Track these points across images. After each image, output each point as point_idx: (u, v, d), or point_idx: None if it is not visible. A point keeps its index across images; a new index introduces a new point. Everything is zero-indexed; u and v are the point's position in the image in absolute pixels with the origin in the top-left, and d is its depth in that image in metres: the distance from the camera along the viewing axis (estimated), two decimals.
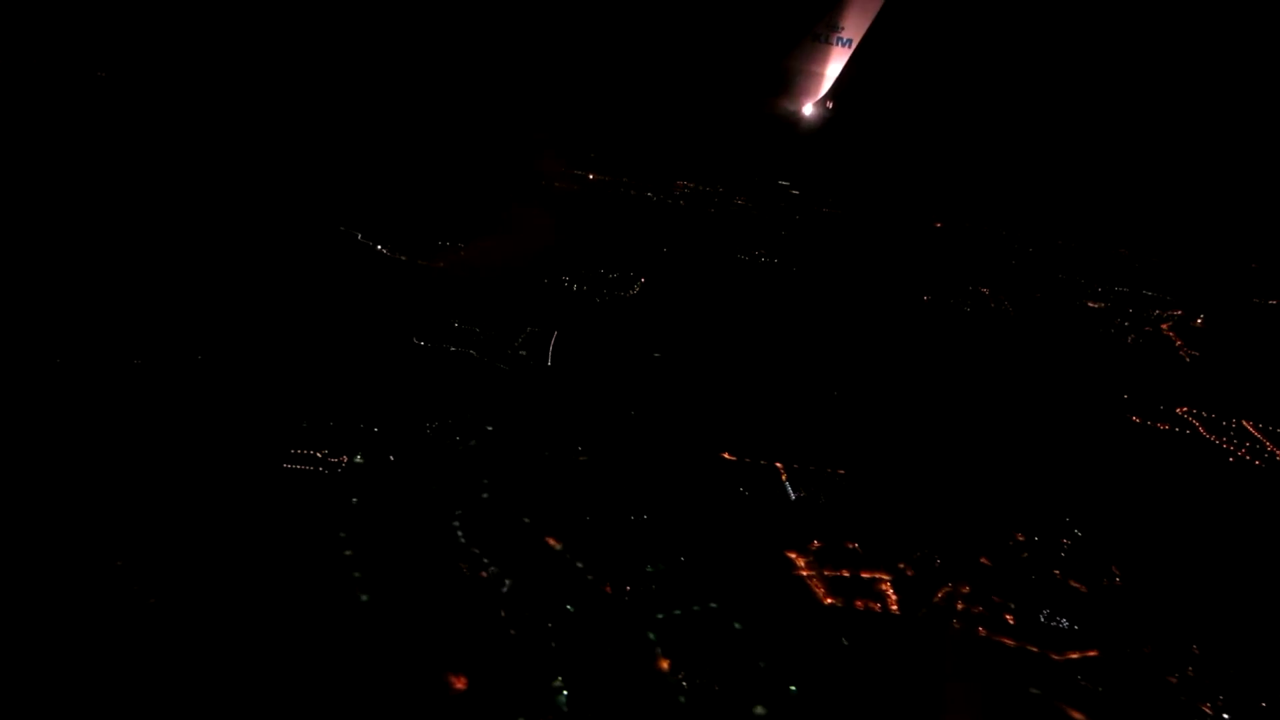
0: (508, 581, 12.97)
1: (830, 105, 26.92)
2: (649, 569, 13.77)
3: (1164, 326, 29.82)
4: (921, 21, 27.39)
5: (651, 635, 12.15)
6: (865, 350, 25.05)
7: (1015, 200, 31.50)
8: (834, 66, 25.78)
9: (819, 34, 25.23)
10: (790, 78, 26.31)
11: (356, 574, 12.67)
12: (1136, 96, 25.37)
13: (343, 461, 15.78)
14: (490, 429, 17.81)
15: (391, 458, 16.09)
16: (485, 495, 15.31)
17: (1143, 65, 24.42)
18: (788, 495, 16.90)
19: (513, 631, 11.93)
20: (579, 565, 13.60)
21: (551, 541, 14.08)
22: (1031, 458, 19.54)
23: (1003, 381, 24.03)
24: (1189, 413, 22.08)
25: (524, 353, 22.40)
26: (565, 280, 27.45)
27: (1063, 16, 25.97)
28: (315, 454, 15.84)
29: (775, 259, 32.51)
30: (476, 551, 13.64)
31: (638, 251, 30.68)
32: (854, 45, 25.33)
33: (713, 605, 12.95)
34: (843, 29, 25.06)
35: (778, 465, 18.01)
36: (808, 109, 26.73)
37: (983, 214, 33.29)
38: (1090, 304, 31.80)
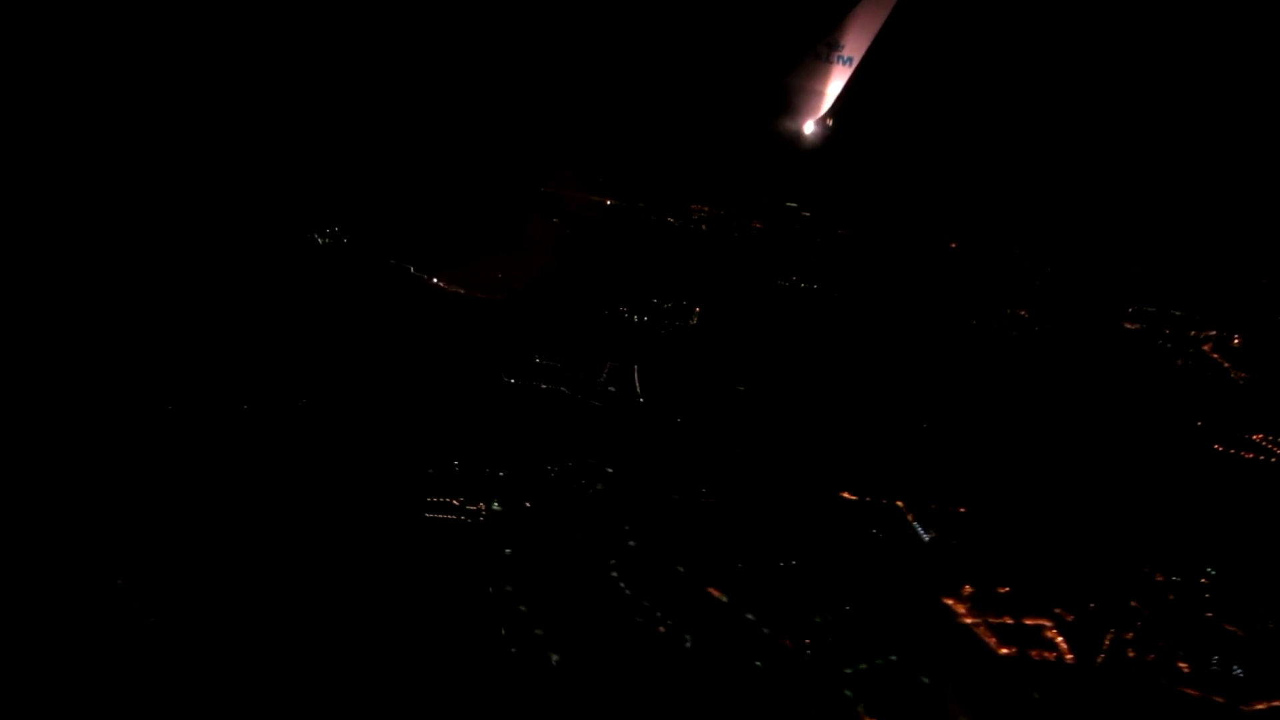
0: (688, 638, 12.66)
1: (831, 124, 27.05)
2: (817, 619, 13.53)
3: (1205, 348, 30.03)
4: (924, 38, 27.56)
5: (848, 692, 11.91)
6: (935, 378, 24.98)
7: (1024, 218, 31.50)
8: (835, 85, 25.90)
9: (819, 52, 25.34)
10: (791, 96, 26.39)
11: (538, 631, 12.30)
12: (1142, 111, 25.60)
13: (481, 509, 15.42)
14: (610, 471, 17.48)
15: (527, 504, 15.73)
16: (632, 543, 14.99)
17: (1151, 79, 24.69)
18: (919, 536, 16.71)
19: (711, 694, 11.62)
20: (750, 617, 13.34)
21: (715, 593, 13.80)
22: (1133, 490, 19.46)
23: (1079, 409, 24.05)
24: (1267, 439, 22.18)
25: (612, 389, 22.13)
26: (624, 311, 27.17)
27: (1070, 31, 26.16)
28: (452, 502, 15.47)
29: (814, 284, 32.46)
30: (646, 604, 13.32)
31: (682, 279, 30.48)
32: (855, 64, 25.46)
33: (893, 658, 12.72)
34: (843, 47, 25.21)
35: (899, 504, 17.83)
36: (809, 127, 26.84)
37: (994, 232, 33.31)
38: (1127, 325, 31.99)
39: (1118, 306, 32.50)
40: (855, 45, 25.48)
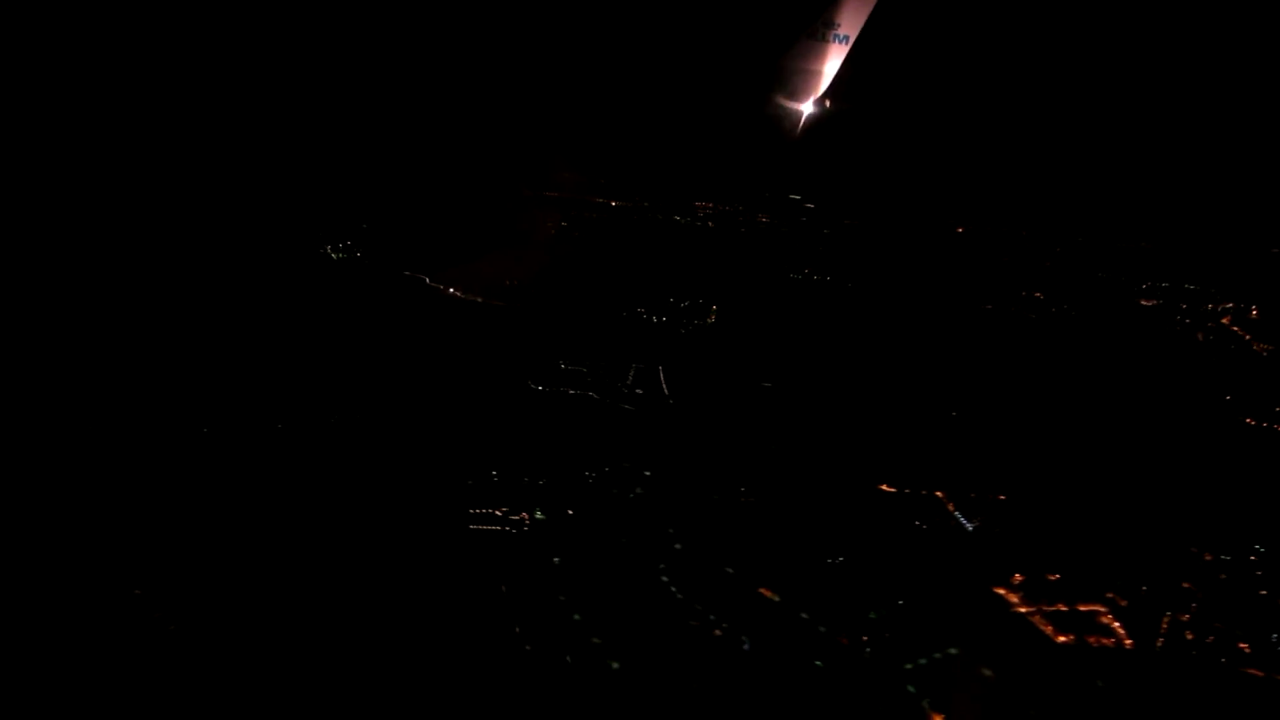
0: (745, 640, 12.56)
1: (829, 104, 26.73)
2: (872, 615, 13.42)
3: (1224, 320, 29.79)
4: (921, 12, 27.19)
5: (912, 688, 11.80)
6: (958, 365, 24.83)
7: (1026, 196, 31.17)
8: (832, 64, 25.53)
9: (815, 31, 24.96)
10: (787, 77, 26.02)
11: (595, 640, 12.22)
12: (1142, 87, 25.27)
13: (525, 519, 15.35)
14: (648, 474, 17.39)
15: (570, 512, 15.65)
16: (678, 546, 14.90)
17: (1151, 54, 24.37)
18: (963, 526, 16.58)
19: (775, 695, 11.53)
20: (804, 616, 13.24)
21: (766, 592, 13.71)
22: (1169, 469, 19.30)
23: (1106, 390, 23.87)
24: None
25: (640, 391, 22.02)
26: (641, 312, 27.07)
27: (1073, 2, 25.84)
28: (495, 512, 15.40)
29: (827, 276, 32.30)
30: (700, 608, 13.24)
31: (695, 277, 30.37)
32: (851, 41, 25.13)
33: (952, 651, 12.61)
34: (839, 25, 24.81)
35: (938, 494, 17.70)
36: (807, 108, 26.50)
37: (998, 213, 32.98)
38: (1143, 302, 31.76)
39: (1131, 283, 32.33)
40: (851, 22, 25.13)
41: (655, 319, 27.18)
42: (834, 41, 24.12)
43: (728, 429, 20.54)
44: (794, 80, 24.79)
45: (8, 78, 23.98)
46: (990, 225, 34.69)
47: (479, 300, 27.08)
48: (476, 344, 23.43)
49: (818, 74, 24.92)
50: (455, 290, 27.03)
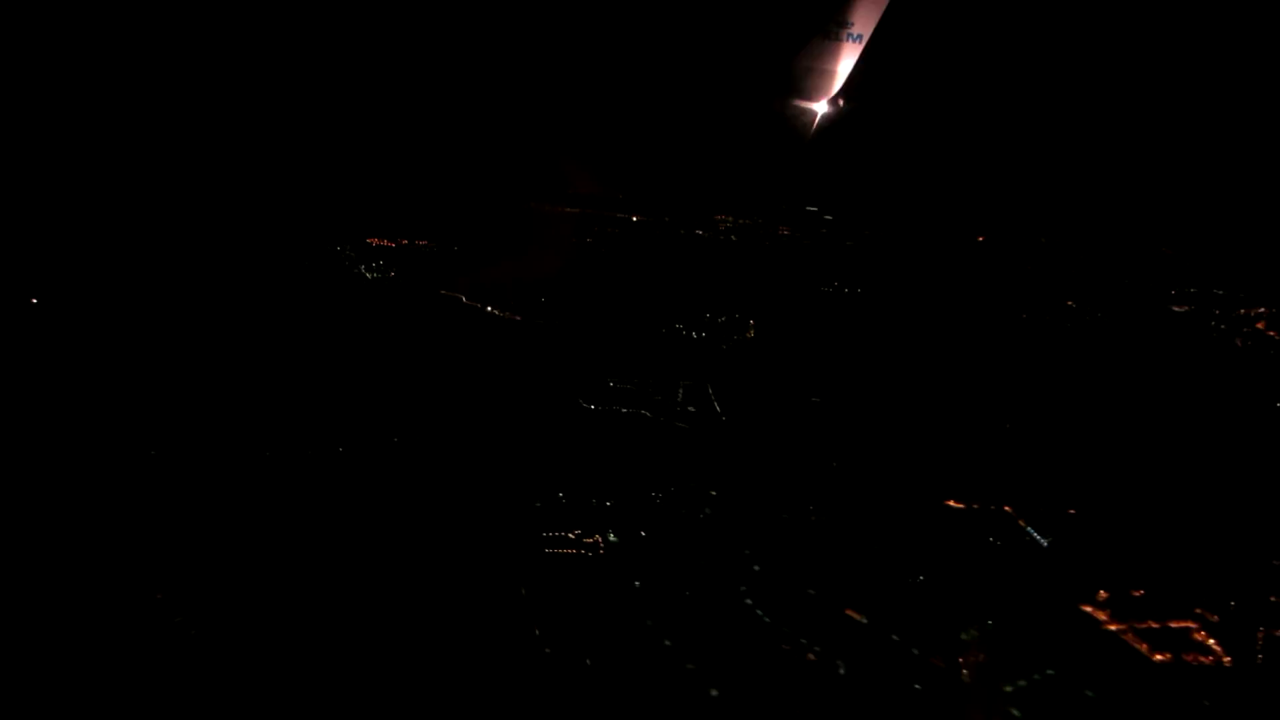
0: (841, 664, 12.36)
1: (843, 103, 26.61)
2: (963, 636, 13.21)
3: (1259, 325, 29.51)
4: (935, 10, 27.07)
5: (1016, 712, 11.58)
6: (1003, 375, 24.65)
7: (1044, 202, 31.02)
8: (845, 63, 25.40)
9: (829, 31, 24.83)
10: (801, 77, 25.90)
11: (690, 666, 12.03)
12: (1161, 89, 25.11)
13: (599, 542, 15.19)
14: (714, 494, 17.24)
15: (642, 533, 15.49)
16: (756, 567, 14.71)
17: (1171, 53, 24.21)
18: (1037, 542, 16.36)
19: None
20: (895, 638, 13.02)
21: (853, 614, 13.50)
22: (1233, 478, 19.06)
23: (1156, 398, 23.65)
24: None
25: (691, 409, 21.89)
26: (680, 328, 27.00)
27: (1085, 20, 25.75)
28: (568, 535, 15.25)
29: (858, 289, 32.14)
30: (788, 631, 13.04)
31: (727, 291, 30.28)
32: (865, 40, 25.00)
33: (1050, 672, 12.38)
34: (852, 24, 24.69)
35: (1006, 509, 17.49)
36: (820, 108, 26.37)
37: (1016, 218, 32.83)
38: (1175, 308, 31.49)
39: (1160, 290, 32.08)
40: (865, 21, 25.02)
41: (695, 335, 27.07)
42: (847, 40, 24.03)
43: (784, 446, 20.36)
44: (807, 80, 24.66)
45: (22, 82, 24.06)
46: (1009, 233, 34.57)
47: (518, 318, 26.98)
48: (521, 362, 23.35)
49: (831, 73, 24.80)
50: (493, 308, 26.92)
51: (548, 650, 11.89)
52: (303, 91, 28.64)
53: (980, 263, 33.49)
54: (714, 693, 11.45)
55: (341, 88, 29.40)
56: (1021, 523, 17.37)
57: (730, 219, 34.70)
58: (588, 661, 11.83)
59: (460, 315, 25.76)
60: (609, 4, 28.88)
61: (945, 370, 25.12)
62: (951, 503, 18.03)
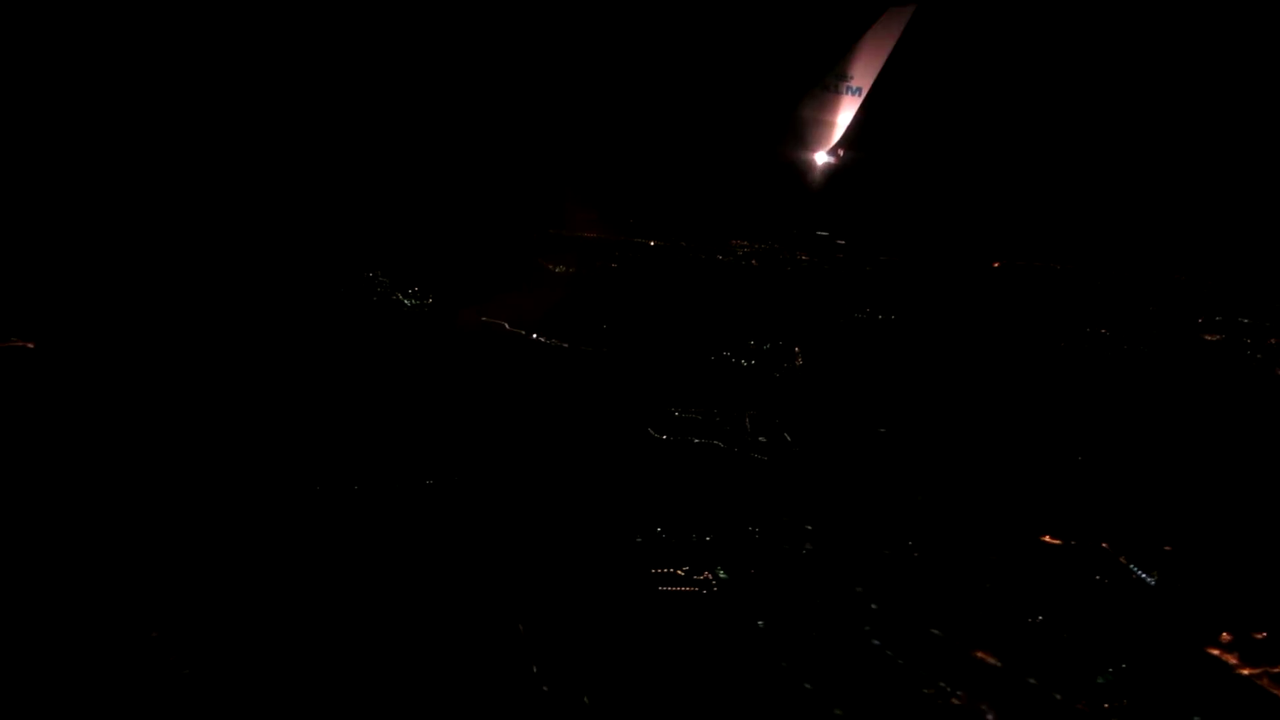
0: (988, 711, 12.01)
1: (842, 153, 26.96)
2: (1099, 680, 12.89)
3: None
4: (932, 64, 27.61)
5: None
6: (1059, 406, 24.59)
7: (1049, 234, 31.48)
8: (845, 115, 25.85)
9: (828, 84, 25.32)
10: (800, 127, 26.32)
11: (838, 712, 11.65)
12: (1147, 120, 25.60)
13: (710, 578, 14.84)
14: (809, 528, 16.95)
15: (751, 570, 15.16)
16: (874, 606, 14.38)
17: (1155, 90, 24.67)
18: (1144, 581, 16.11)
19: None
20: (1031, 682, 12.69)
21: (985, 656, 13.17)
22: None
23: (1216, 428, 23.60)
24: None
25: (762, 439, 21.69)
26: (728, 355, 26.93)
27: (1080, 48, 26.21)
28: (678, 572, 14.90)
29: (891, 315, 32.19)
30: (926, 674, 12.69)
31: (765, 318, 30.26)
32: (864, 94, 25.43)
33: (1196, 718, 12.06)
34: (851, 78, 25.18)
35: (1103, 545, 17.26)
36: (820, 158, 26.75)
37: (1028, 249, 33.29)
38: (1207, 336, 31.54)
39: (1187, 317, 32.20)
40: (864, 75, 25.48)
41: (744, 362, 26.93)
42: (847, 94, 24.43)
43: (862, 478, 20.13)
44: (808, 131, 25.03)
45: (42, 85, 23.96)
46: (1025, 260, 34.86)
47: (565, 345, 26.79)
48: (580, 389, 23.08)
49: (831, 124, 25.27)
50: (538, 335, 26.74)
51: (689, 693, 11.42)
52: (339, 123, 28.82)
53: (1001, 289, 33.71)
54: None
55: (376, 118, 29.62)
56: (1123, 560, 17.09)
57: (747, 244, 34.89)
58: (728, 706, 11.36)
59: (507, 343, 25.53)
60: (623, 57, 29.42)
61: (998, 400, 25.03)
62: (1048, 539, 17.74)
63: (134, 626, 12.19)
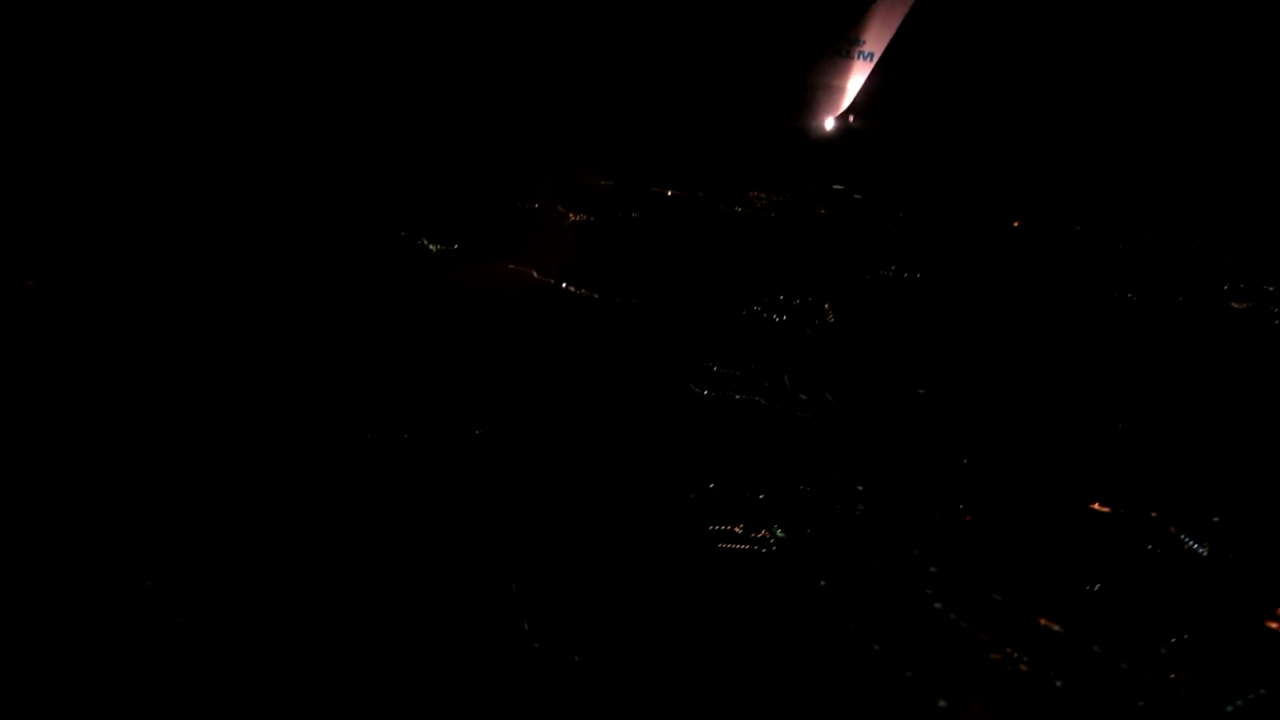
0: (1055, 678, 11.98)
1: (852, 120, 26.48)
2: (1162, 650, 12.87)
3: None
4: (945, 31, 26.97)
5: None
6: (1091, 369, 24.35)
7: (1068, 196, 31.06)
8: (856, 80, 25.36)
9: (840, 48, 24.79)
10: (811, 93, 25.87)
11: (909, 673, 11.62)
12: (1151, 97, 25.06)
13: (768, 537, 14.75)
14: (860, 489, 16.84)
15: (808, 530, 15.06)
16: (932, 569, 14.31)
17: (1194, 57, 24.04)
18: (1195, 551, 16.06)
19: None
20: (1096, 649, 12.66)
21: (1047, 623, 13.14)
22: None
23: (1250, 395, 23.38)
24: None
25: (803, 396, 21.50)
26: (759, 309, 26.61)
27: (1100, 8, 25.45)
28: (735, 529, 14.80)
29: (917, 273, 31.78)
30: (991, 639, 12.66)
31: (790, 272, 29.87)
32: (875, 59, 24.88)
33: (1262, 691, 12.08)
34: (864, 42, 24.65)
35: (1153, 514, 17.17)
36: (829, 124, 26.30)
37: (1046, 212, 32.91)
38: (1234, 304, 31.17)
39: (1211, 283, 31.79)
40: (876, 40, 24.90)
41: (775, 318, 26.63)
42: (858, 59, 23.77)
43: (907, 439, 19.98)
44: (818, 96, 24.44)
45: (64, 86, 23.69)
46: (1045, 220, 34.40)
47: (596, 296, 26.46)
48: (616, 341, 22.84)
49: (841, 90, 24.64)
50: (568, 285, 26.44)
51: (765, 651, 11.37)
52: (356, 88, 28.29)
53: (1024, 248, 33.28)
54: (941, 703, 10.98)
55: (392, 78, 29.04)
56: (1173, 530, 17.02)
57: (764, 196, 34.36)
58: (806, 667, 11.30)
59: (538, 292, 25.17)
60: (636, 25, 28.74)
61: (1031, 361, 24.79)
62: (1097, 506, 17.65)
63: (175, 573, 12.16)
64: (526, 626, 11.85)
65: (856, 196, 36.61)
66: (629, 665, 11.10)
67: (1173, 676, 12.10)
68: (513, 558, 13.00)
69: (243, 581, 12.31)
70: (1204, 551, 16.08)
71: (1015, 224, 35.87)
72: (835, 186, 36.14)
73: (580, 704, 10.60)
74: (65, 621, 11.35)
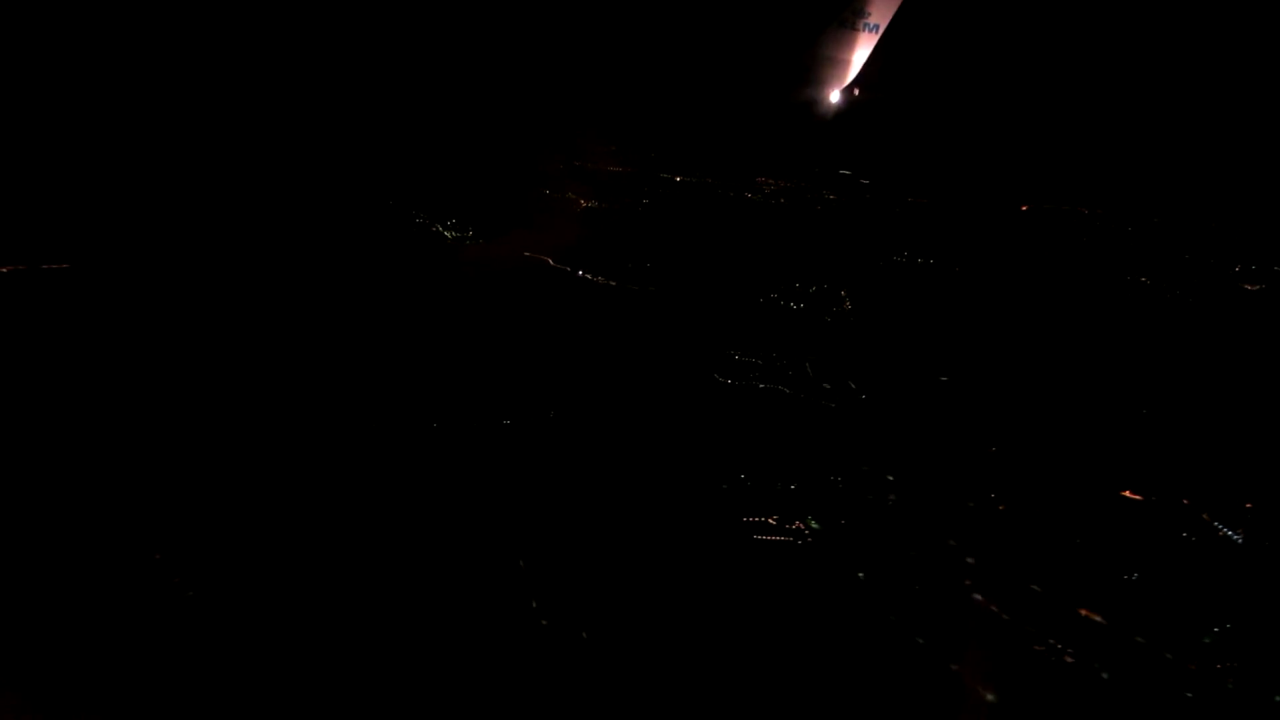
0: (1102, 670, 11.87)
1: (857, 93, 26.18)
2: (1205, 640, 12.76)
3: None
4: (951, 3, 26.65)
5: None
6: (1112, 355, 24.20)
7: (1073, 177, 30.85)
8: (861, 53, 25.07)
9: (845, 20, 24.48)
10: (816, 66, 25.60)
11: (954, 667, 11.50)
12: (1180, 71, 24.75)
13: (803, 529, 14.62)
14: (891, 479, 16.70)
15: (842, 521, 14.93)
16: (970, 560, 14.19)
17: (1203, 39, 23.75)
18: (1230, 539, 15.92)
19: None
20: (1140, 641, 12.54)
21: (1089, 614, 13.02)
22: None
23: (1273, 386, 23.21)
24: None
25: (826, 385, 21.39)
26: (776, 298, 26.46)
27: None
28: (769, 520, 14.67)
29: (930, 260, 31.61)
30: (1034, 630, 12.56)
31: (804, 259, 29.74)
32: (880, 30, 24.59)
33: None
34: (869, 14, 24.33)
35: (1184, 501, 17.04)
36: (834, 97, 26.00)
37: (1052, 194, 32.76)
38: (1247, 286, 30.92)
39: (1224, 266, 31.56)
40: (882, 12, 24.58)
41: (793, 305, 26.48)
42: (864, 30, 23.44)
43: (934, 428, 19.84)
44: (822, 68, 24.13)
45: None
46: (1053, 204, 34.18)
47: (612, 283, 26.33)
48: (634, 328, 22.71)
49: (845, 62, 24.31)
50: (584, 272, 26.29)
51: (810, 643, 11.25)
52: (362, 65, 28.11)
53: (1033, 232, 33.08)
54: (990, 697, 10.86)
55: (405, 67, 28.87)
56: (1206, 517, 16.88)
57: (772, 182, 34.17)
58: (850, 661, 11.19)
59: (555, 279, 25.02)
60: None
61: (1050, 348, 24.63)
62: (1128, 494, 17.50)
63: (207, 537, 12.09)
64: (534, 605, 11.74)
65: (864, 182, 36.48)
66: (658, 654, 10.97)
67: (1219, 667, 11.91)
68: (535, 547, 12.86)
69: (252, 556, 12.19)
70: (1239, 539, 15.90)
71: (1023, 208, 35.73)
72: (842, 172, 36.02)
73: (595, 687, 10.50)
74: (77, 591, 11.29)
